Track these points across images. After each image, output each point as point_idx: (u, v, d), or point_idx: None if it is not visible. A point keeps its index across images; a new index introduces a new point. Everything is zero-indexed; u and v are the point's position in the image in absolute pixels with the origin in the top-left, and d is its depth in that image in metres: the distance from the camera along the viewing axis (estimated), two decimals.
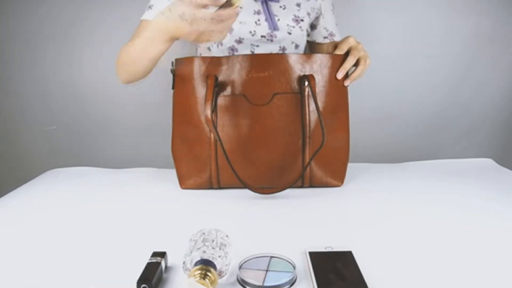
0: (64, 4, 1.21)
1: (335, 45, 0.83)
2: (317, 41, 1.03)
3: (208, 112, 0.70)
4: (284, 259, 0.50)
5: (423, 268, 0.49)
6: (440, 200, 0.73)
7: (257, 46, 0.91)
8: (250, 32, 0.89)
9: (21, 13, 1.22)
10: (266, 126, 0.77)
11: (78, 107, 1.28)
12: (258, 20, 0.89)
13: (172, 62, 0.80)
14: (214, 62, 0.76)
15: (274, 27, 0.89)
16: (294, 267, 0.48)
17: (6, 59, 1.25)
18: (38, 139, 1.31)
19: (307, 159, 0.78)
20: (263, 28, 0.89)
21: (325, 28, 1.01)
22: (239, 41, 0.89)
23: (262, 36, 0.89)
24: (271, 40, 0.90)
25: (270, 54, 0.77)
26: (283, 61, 0.76)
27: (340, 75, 0.79)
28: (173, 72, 0.80)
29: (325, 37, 1.02)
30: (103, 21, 1.22)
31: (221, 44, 0.90)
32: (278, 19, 0.90)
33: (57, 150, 1.32)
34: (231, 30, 0.88)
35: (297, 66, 0.76)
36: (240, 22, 0.88)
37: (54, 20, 1.22)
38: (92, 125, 1.30)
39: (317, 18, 1.00)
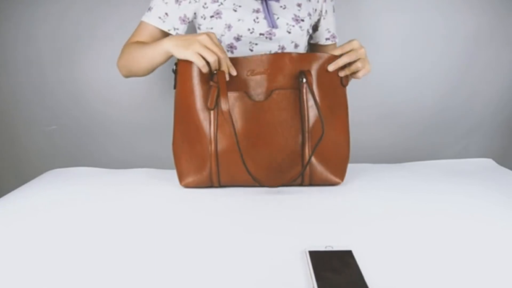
0: (64, 4, 1.21)
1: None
2: (319, 42, 1.03)
3: (226, 106, 0.71)
4: None
5: (423, 268, 0.49)
6: (440, 200, 0.73)
7: (256, 44, 0.91)
8: (249, 29, 0.89)
9: (21, 13, 1.22)
10: (265, 122, 0.77)
11: (78, 107, 1.28)
12: (257, 18, 0.89)
13: (175, 63, 0.80)
14: None
15: (272, 25, 0.89)
16: None
17: (6, 59, 1.25)
18: (38, 139, 1.31)
19: (307, 154, 0.78)
20: (262, 26, 0.89)
21: (327, 29, 1.01)
22: (238, 39, 0.89)
23: (260, 34, 0.89)
24: (270, 39, 0.90)
25: (270, 55, 0.77)
26: (282, 60, 0.77)
27: (331, 67, 0.78)
28: (175, 72, 0.80)
29: (327, 39, 1.02)
30: (103, 21, 1.22)
31: (220, 42, 0.90)
32: (278, 18, 0.90)
33: (57, 150, 1.32)
34: (230, 27, 0.88)
35: (296, 64, 0.77)
36: (239, 20, 0.88)
37: (54, 19, 1.22)
38: (92, 125, 1.30)
39: (318, 20, 1.01)
